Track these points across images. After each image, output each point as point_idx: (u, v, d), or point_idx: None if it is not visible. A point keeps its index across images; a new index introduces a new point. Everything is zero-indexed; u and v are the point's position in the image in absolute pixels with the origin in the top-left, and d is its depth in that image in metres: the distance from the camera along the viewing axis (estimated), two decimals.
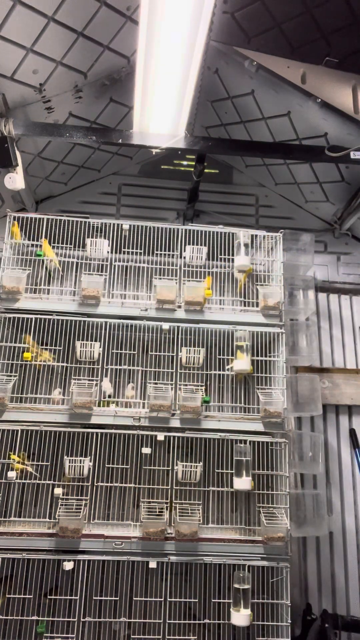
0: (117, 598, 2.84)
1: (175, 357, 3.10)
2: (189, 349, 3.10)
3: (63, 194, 4.04)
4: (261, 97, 3.32)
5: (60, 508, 2.74)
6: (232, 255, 3.24)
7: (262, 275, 3.35)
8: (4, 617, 2.70)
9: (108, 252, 3.23)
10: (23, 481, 2.93)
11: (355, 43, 2.84)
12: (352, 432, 3.60)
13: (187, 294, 3.06)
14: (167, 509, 2.85)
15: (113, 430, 2.94)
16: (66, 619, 2.72)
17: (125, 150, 3.90)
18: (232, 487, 2.86)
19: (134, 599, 2.83)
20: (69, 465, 2.83)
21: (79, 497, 2.86)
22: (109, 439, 3.05)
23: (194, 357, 3.11)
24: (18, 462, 2.82)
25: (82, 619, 2.66)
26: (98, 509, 2.98)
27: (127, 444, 3.07)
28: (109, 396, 3.09)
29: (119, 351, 3.24)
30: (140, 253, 3.31)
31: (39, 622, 2.66)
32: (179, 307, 3.09)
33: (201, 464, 2.92)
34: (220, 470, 3.00)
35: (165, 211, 4.07)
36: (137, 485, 3.09)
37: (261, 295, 3.13)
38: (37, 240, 3.21)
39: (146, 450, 2.88)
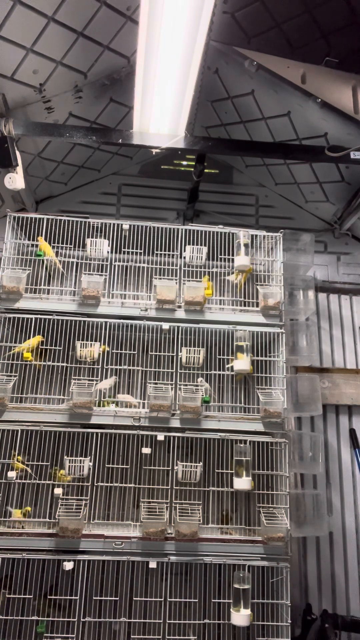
0: (117, 598, 2.84)
1: (175, 357, 3.10)
2: (189, 349, 3.10)
3: (63, 194, 4.04)
4: (261, 97, 3.32)
5: (60, 508, 2.74)
6: (232, 255, 3.24)
7: (262, 275, 3.35)
8: (4, 617, 2.70)
9: (108, 252, 3.23)
10: (23, 481, 2.93)
11: (355, 43, 2.84)
12: (352, 432, 3.60)
13: (187, 294, 3.06)
14: (167, 509, 2.85)
15: (113, 430, 2.94)
16: (66, 619, 2.72)
17: (125, 150, 3.90)
18: (232, 487, 2.86)
19: (134, 599, 2.83)
20: (69, 465, 2.83)
21: (79, 497, 2.86)
22: (109, 439, 3.05)
23: (194, 357, 3.11)
24: (19, 462, 2.82)
25: (82, 619, 2.67)
26: (98, 509, 2.98)
27: (127, 444, 3.07)
28: (108, 394, 3.09)
29: (119, 351, 3.24)
30: (140, 253, 3.31)
31: (39, 622, 2.65)
32: (179, 307, 3.09)
33: (201, 464, 2.92)
34: (220, 470, 3.00)
35: (165, 211, 4.07)
36: (137, 485, 3.09)
37: (261, 295, 3.13)
38: (37, 240, 3.21)
39: (146, 450, 2.87)
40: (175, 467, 2.88)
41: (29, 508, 2.88)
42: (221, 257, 3.29)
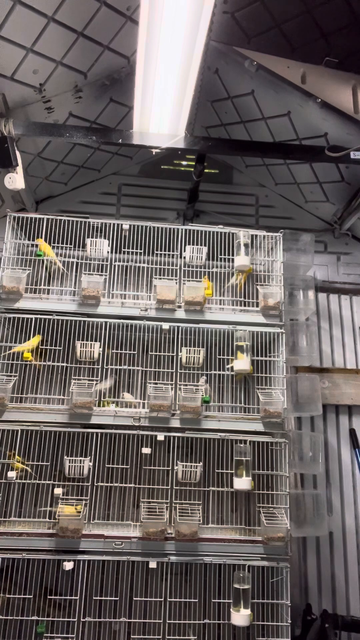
0: (117, 598, 2.84)
1: (175, 357, 3.10)
2: (189, 349, 3.10)
3: (63, 194, 4.04)
4: (261, 97, 3.32)
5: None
6: (232, 255, 3.24)
7: (262, 275, 3.35)
8: (4, 617, 2.70)
9: (108, 252, 3.23)
10: (23, 481, 2.93)
11: (355, 43, 2.84)
12: (352, 432, 3.60)
13: (187, 294, 3.06)
14: (167, 509, 2.85)
15: (113, 430, 2.94)
16: (66, 619, 2.72)
17: (125, 150, 3.90)
18: (232, 487, 2.86)
19: (134, 599, 2.83)
20: (69, 465, 2.83)
21: (79, 497, 2.86)
22: (109, 439, 3.05)
23: (194, 357, 3.11)
24: (18, 462, 2.82)
25: (82, 619, 2.67)
26: (98, 509, 2.98)
27: (127, 444, 3.07)
28: (108, 394, 3.09)
29: (119, 351, 3.24)
30: (140, 253, 3.31)
31: (39, 622, 2.65)
32: (179, 307, 3.09)
33: (201, 464, 2.92)
34: (220, 470, 3.00)
35: (165, 211, 4.07)
36: (137, 485, 3.09)
37: (261, 295, 3.13)
38: (37, 241, 3.21)
39: (146, 450, 2.88)
40: (175, 467, 2.88)
41: (79, 507, 2.80)
42: (221, 257, 3.29)
